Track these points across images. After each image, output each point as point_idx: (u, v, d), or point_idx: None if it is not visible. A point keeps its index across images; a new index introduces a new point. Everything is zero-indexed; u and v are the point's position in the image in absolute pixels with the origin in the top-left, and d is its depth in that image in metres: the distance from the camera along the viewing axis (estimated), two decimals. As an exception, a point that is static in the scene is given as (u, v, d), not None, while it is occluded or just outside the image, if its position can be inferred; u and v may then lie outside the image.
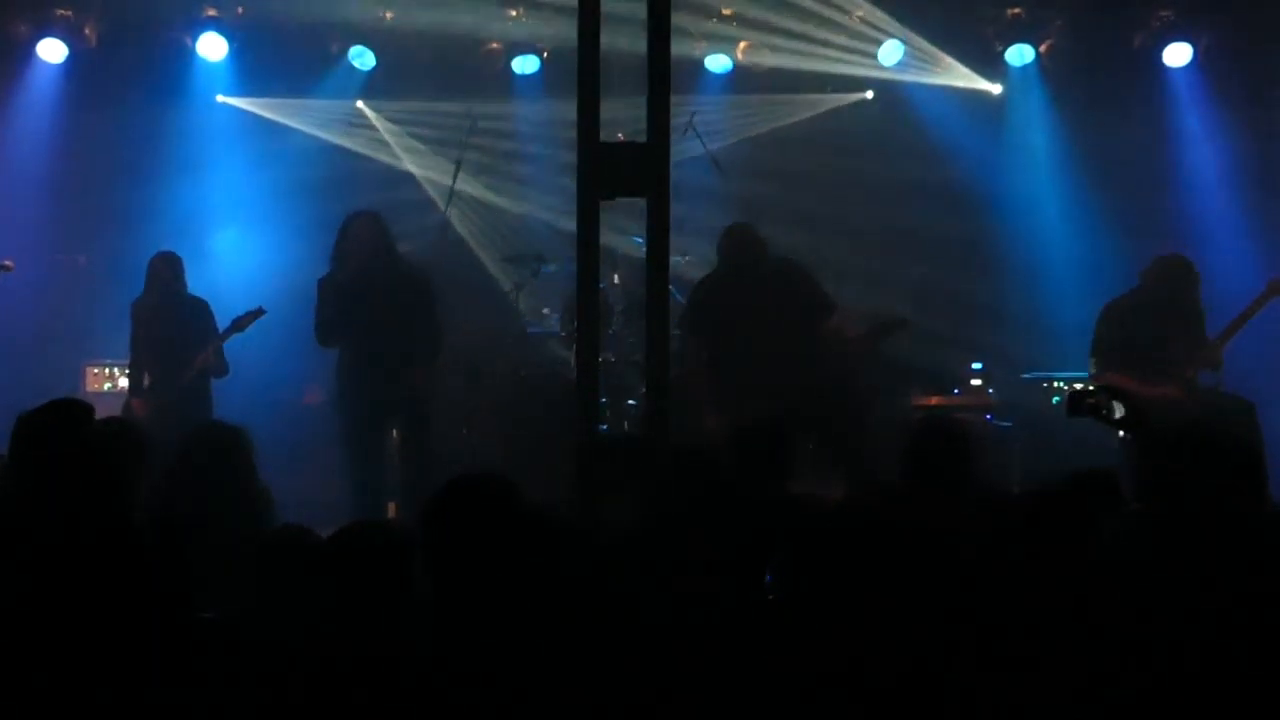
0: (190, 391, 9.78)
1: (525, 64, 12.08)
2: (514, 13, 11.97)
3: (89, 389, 11.16)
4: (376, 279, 9.32)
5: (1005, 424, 11.12)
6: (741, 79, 12.15)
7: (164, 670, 4.04)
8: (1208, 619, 4.02)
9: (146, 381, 9.97)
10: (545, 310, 11.15)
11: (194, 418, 9.20)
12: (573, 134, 5.85)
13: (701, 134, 10.75)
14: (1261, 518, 4.59)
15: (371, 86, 12.29)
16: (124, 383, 10.35)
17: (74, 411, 5.41)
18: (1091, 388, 9.82)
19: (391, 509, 9.75)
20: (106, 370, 11.19)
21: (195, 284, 10.18)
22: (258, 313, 9.96)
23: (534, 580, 4.13)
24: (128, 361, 10.17)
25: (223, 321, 9.96)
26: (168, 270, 9.96)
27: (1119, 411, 8.01)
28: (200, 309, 10.02)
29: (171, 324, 9.88)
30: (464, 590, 4.10)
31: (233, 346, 10.07)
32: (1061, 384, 11.02)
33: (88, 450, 5.13)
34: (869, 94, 12.22)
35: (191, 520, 5.57)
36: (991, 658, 3.97)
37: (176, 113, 12.18)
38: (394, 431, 9.77)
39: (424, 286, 9.55)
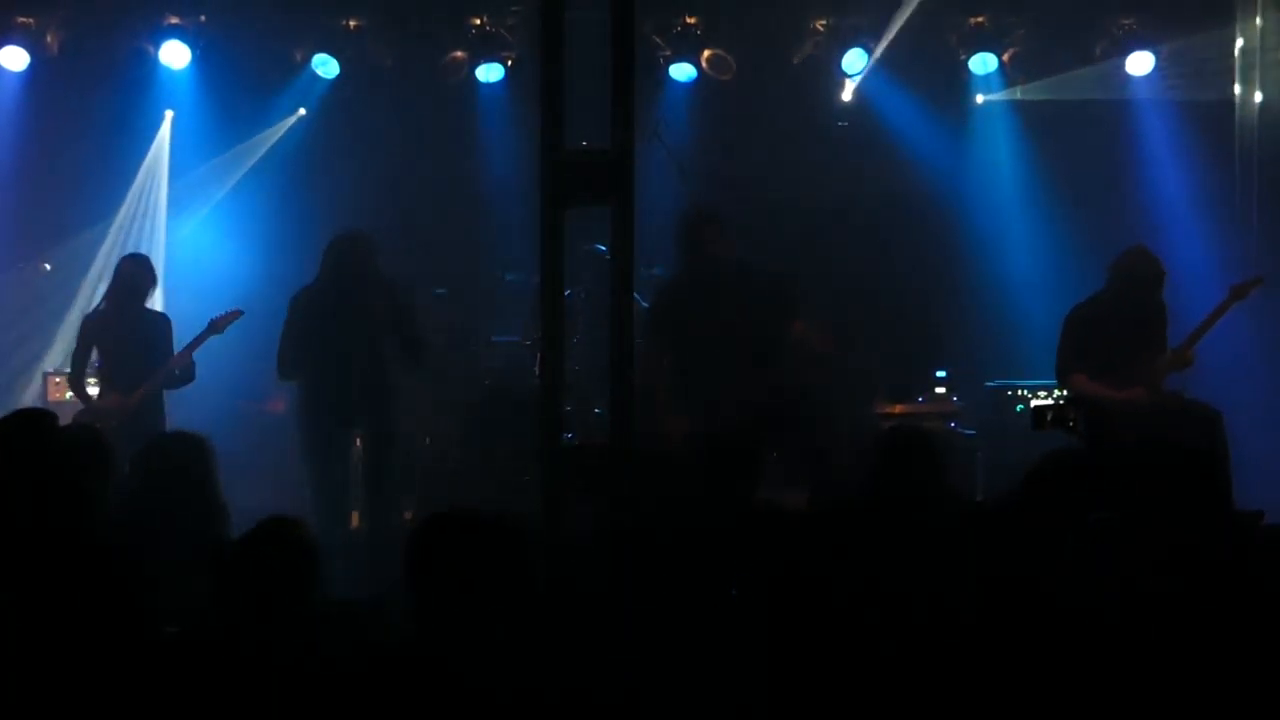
0: (145, 400, 9.73)
1: (489, 72, 12.07)
2: (478, 21, 11.96)
3: (51, 398, 11.09)
4: (349, 297, 9.32)
5: (969, 432, 11.15)
6: (705, 86, 12.16)
7: (127, 686, 4.02)
8: (1172, 622, 4.03)
9: (97, 390, 9.92)
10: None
11: (146, 426, 9.16)
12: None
13: (667, 141, 10.74)
14: (1222, 523, 4.61)
15: (334, 94, 12.26)
16: (90, 391, 10.25)
17: (40, 421, 5.40)
18: (1053, 401, 9.89)
19: (354, 518, 9.74)
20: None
21: (159, 293, 10.15)
22: (235, 314, 9.94)
23: (510, 592, 4.13)
24: (69, 370, 10.08)
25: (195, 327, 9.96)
26: (139, 273, 9.93)
27: (1083, 423, 8.05)
28: (159, 322, 9.97)
29: (127, 333, 9.82)
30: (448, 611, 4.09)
31: (199, 352, 10.05)
32: (1025, 391, 11.05)
33: (55, 459, 5.11)
34: (847, 96, 12.23)
35: (149, 531, 5.54)
36: (957, 664, 3.97)
37: (140, 120, 12.15)
38: (357, 440, 9.76)
39: (400, 304, 9.54)
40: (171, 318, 10.04)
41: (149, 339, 9.83)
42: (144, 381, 9.70)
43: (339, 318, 9.27)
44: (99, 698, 4.00)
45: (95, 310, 10.03)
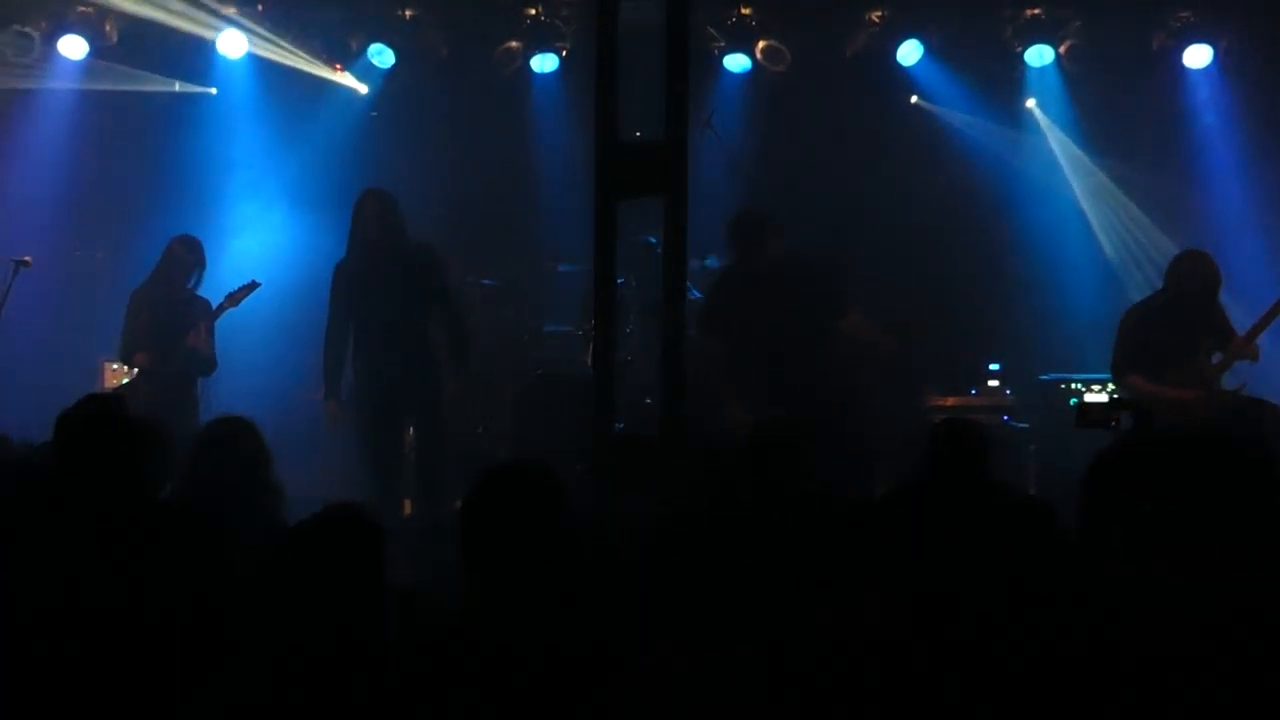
0: (175, 383, 9.84)
1: (544, 63, 12.09)
2: (533, 11, 11.98)
3: (107, 384, 11.19)
4: (383, 261, 9.40)
5: (1022, 425, 11.11)
6: (760, 78, 12.15)
7: (196, 659, 4.09)
8: (1219, 620, 4.02)
9: (134, 371, 10.06)
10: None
11: (179, 419, 9.23)
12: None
13: (720, 133, 10.74)
14: (1274, 520, 4.57)
15: (389, 84, 12.32)
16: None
17: (110, 405, 5.46)
18: (1105, 397, 9.81)
19: (406, 505, 9.79)
20: (125, 366, 11.22)
21: (210, 279, 10.22)
22: (252, 285, 9.98)
23: (567, 570, 4.17)
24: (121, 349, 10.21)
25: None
26: (188, 255, 10.02)
27: (1129, 422, 8.00)
28: (203, 305, 10.05)
29: (169, 312, 9.93)
30: (499, 577, 4.13)
31: (246, 340, 10.11)
32: (1079, 385, 10.99)
33: (126, 443, 5.17)
34: (914, 99, 12.23)
35: (206, 511, 5.59)
36: (1007, 655, 3.97)
37: (197, 109, 12.26)
38: (409, 429, 9.81)
39: (432, 262, 9.58)
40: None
41: (190, 321, 9.92)
42: (173, 357, 9.79)
43: (372, 271, 9.36)
44: (165, 669, 4.09)
45: (143, 286, 10.13)
